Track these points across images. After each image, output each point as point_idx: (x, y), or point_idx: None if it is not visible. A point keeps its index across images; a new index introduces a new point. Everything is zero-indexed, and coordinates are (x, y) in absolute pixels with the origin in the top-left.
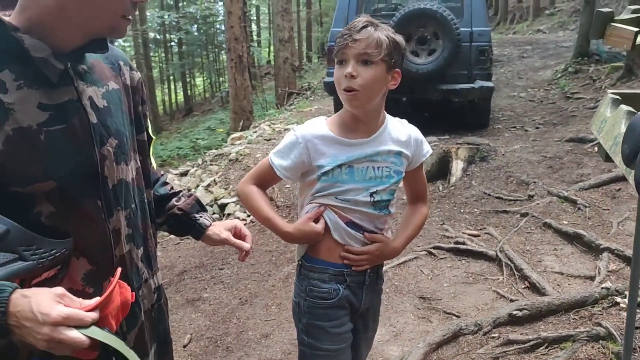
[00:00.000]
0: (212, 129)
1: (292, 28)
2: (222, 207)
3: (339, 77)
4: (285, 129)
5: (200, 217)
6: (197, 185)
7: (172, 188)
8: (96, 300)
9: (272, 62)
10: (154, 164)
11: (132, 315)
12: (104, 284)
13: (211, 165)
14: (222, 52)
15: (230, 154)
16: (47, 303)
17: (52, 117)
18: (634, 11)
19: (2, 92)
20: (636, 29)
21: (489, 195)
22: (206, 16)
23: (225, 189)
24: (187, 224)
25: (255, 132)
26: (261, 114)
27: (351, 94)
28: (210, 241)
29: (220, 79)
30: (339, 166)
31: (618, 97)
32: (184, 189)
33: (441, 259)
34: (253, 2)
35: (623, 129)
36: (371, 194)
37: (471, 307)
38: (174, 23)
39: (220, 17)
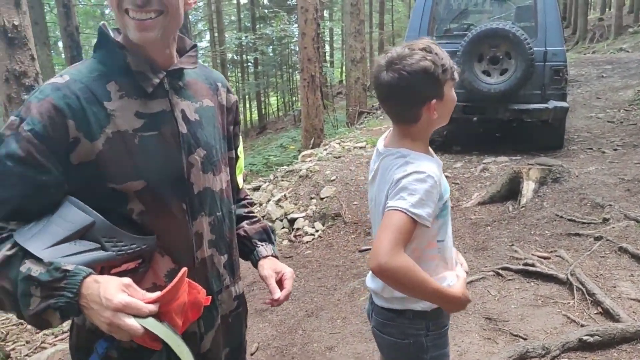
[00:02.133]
0: (284, 147)
1: (364, 49)
2: (292, 221)
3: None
4: (354, 147)
5: (261, 245)
6: (269, 200)
7: (250, 212)
8: (157, 294)
9: (345, 82)
10: (241, 183)
11: (210, 318)
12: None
13: (282, 181)
14: (296, 72)
15: (301, 170)
16: (112, 290)
17: (146, 124)
18: None
19: (106, 100)
20: None
21: (561, 217)
22: (281, 37)
23: (295, 204)
24: (247, 248)
25: (326, 149)
26: (332, 132)
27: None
28: (260, 273)
29: (293, 98)
30: (449, 196)
31: None
32: (260, 217)
33: (509, 280)
34: (327, 24)
35: None
36: None
37: (539, 331)
38: (250, 44)
39: (295, 39)
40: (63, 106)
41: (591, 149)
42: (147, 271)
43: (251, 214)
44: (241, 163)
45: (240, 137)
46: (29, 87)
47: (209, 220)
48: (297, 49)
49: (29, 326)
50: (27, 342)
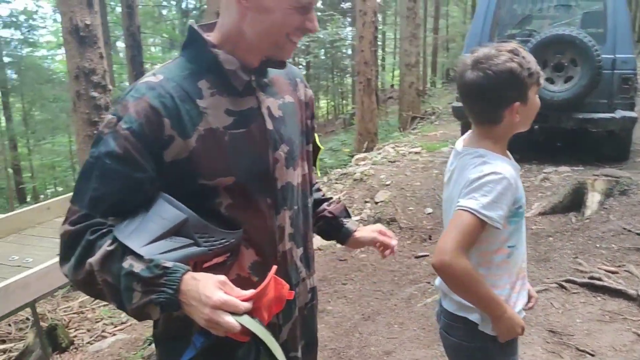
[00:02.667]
0: (334, 150)
1: (419, 53)
2: None
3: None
4: (409, 152)
5: (347, 222)
6: None
7: (324, 194)
8: (251, 292)
9: (396, 86)
10: (318, 172)
11: (288, 310)
12: (266, 275)
13: (336, 183)
14: (347, 75)
15: (355, 173)
16: (210, 288)
17: (236, 121)
18: None
19: (198, 98)
20: None
21: (629, 231)
22: (334, 41)
23: (349, 207)
24: (335, 228)
25: (380, 153)
26: (385, 137)
27: None
28: (355, 244)
29: (344, 101)
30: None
31: None
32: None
33: (574, 293)
34: (381, 28)
35: None
36: None
37: (607, 347)
38: (303, 47)
39: (347, 42)
40: (158, 105)
41: None
42: (233, 264)
43: (325, 197)
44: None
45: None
46: (97, 84)
47: (289, 214)
48: (349, 52)
49: (89, 315)
50: (88, 330)
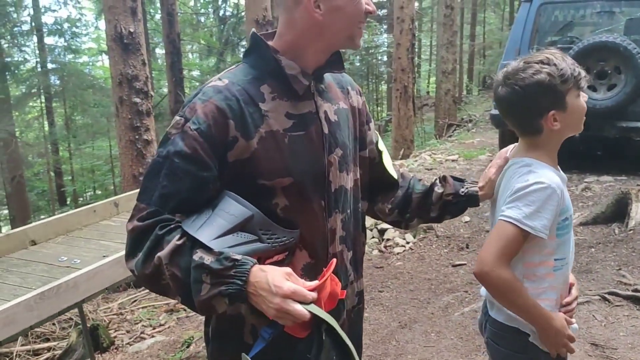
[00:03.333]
0: None
1: (456, 60)
2: (382, 231)
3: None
4: (446, 159)
5: (467, 189)
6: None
7: (422, 179)
8: (316, 282)
9: (432, 93)
10: (393, 174)
11: (337, 311)
12: (318, 278)
13: None
14: (382, 82)
15: None
16: (279, 278)
17: (295, 124)
18: None
19: (260, 101)
20: None
21: None
22: (369, 48)
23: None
24: (463, 203)
25: (416, 160)
26: (420, 144)
27: None
28: (488, 196)
29: (379, 108)
30: (571, 213)
31: None
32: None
33: (617, 306)
34: (417, 35)
35: None
36: None
37: None
38: None
39: (383, 49)
40: (225, 107)
41: None
42: (289, 263)
43: (429, 183)
44: (387, 156)
45: (377, 132)
46: (139, 90)
47: (341, 217)
48: (385, 59)
49: (128, 316)
50: (128, 331)
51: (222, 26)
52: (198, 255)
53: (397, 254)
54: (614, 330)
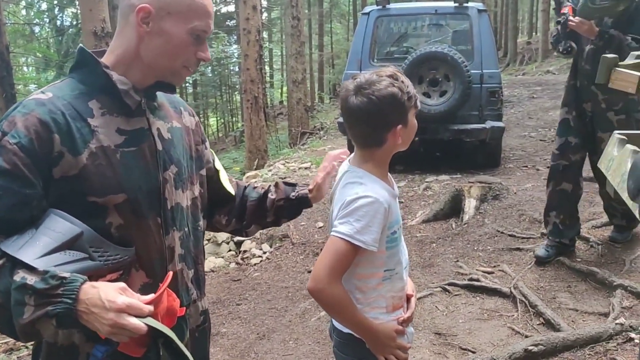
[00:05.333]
0: (226, 168)
1: (305, 70)
2: (238, 244)
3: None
4: (299, 168)
5: (297, 192)
6: (218, 232)
7: (257, 187)
8: (152, 296)
9: (285, 103)
10: (231, 190)
11: (180, 329)
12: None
13: None
14: (236, 92)
15: None
16: (112, 293)
17: (127, 140)
18: (637, 56)
19: (89, 117)
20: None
21: (502, 233)
22: (221, 58)
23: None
24: (295, 207)
25: (270, 170)
26: (275, 153)
27: None
28: (318, 198)
29: (234, 118)
30: (400, 225)
31: (624, 137)
32: (262, 183)
33: (456, 295)
34: (267, 45)
35: (629, 166)
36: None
37: (487, 343)
38: None
39: (234, 59)
40: (49, 120)
41: (526, 166)
42: (126, 283)
43: (263, 189)
44: (224, 174)
45: (212, 151)
46: None
47: (179, 234)
48: (237, 70)
49: None
50: None
51: (60, 37)
52: (20, 275)
53: (255, 264)
54: (454, 318)
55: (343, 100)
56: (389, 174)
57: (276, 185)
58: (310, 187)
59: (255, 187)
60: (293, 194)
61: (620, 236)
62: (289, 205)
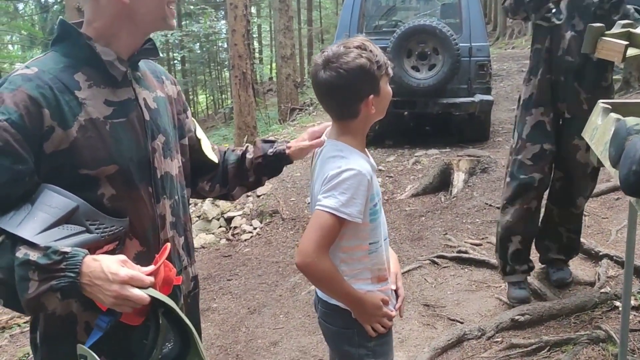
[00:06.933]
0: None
1: (294, 45)
2: (229, 220)
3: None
4: None
5: (275, 149)
6: (204, 199)
7: (235, 149)
8: (152, 267)
9: (274, 79)
10: (214, 158)
11: (174, 297)
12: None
13: None
14: (225, 69)
15: None
16: (115, 265)
17: (115, 111)
18: (624, 26)
19: (76, 89)
20: (626, 42)
21: (490, 205)
22: (209, 34)
23: (231, 203)
24: (274, 163)
25: None
26: (265, 130)
27: None
28: (298, 156)
29: (223, 95)
30: (380, 198)
31: (608, 106)
32: (237, 146)
33: (444, 267)
34: (255, 21)
35: (611, 134)
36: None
37: (475, 314)
38: (177, 42)
39: (223, 35)
40: (38, 95)
41: None
42: (120, 253)
43: (241, 150)
44: (206, 141)
45: (194, 120)
46: None
47: (169, 203)
48: (226, 46)
49: None
50: None
51: (45, 15)
52: (22, 252)
53: (245, 240)
54: (442, 290)
55: (313, 75)
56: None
57: (254, 143)
58: (290, 144)
59: (234, 150)
60: (270, 150)
61: (565, 274)
62: (268, 163)
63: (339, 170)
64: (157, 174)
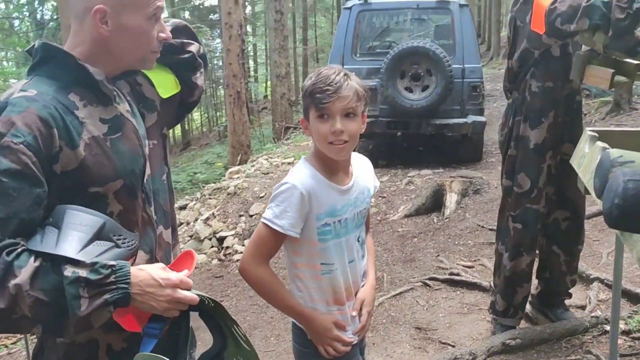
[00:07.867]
0: (209, 163)
1: (289, 64)
2: (221, 240)
3: (326, 132)
4: (282, 163)
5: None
6: (196, 219)
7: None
8: (186, 272)
9: (270, 97)
10: (175, 87)
11: None
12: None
13: (210, 199)
14: (220, 87)
15: (229, 187)
16: (162, 272)
17: (110, 128)
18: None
19: (75, 109)
20: (612, 70)
21: (483, 227)
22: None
23: (224, 222)
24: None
25: (253, 165)
26: (259, 148)
27: (341, 146)
28: None
29: (218, 113)
30: (339, 220)
31: (596, 134)
32: None
33: (436, 289)
34: (251, 40)
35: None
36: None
37: (466, 337)
38: None
39: (218, 54)
40: (47, 116)
41: None
42: (134, 264)
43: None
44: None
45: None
46: None
47: (152, 201)
48: (221, 64)
49: None
50: None
51: (40, 31)
52: (69, 270)
53: (237, 261)
54: (434, 313)
55: None
56: (351, 170)
57: None
58: None
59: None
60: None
61: (570, 315)
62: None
63: (280, 183)
64: (145, 178)
